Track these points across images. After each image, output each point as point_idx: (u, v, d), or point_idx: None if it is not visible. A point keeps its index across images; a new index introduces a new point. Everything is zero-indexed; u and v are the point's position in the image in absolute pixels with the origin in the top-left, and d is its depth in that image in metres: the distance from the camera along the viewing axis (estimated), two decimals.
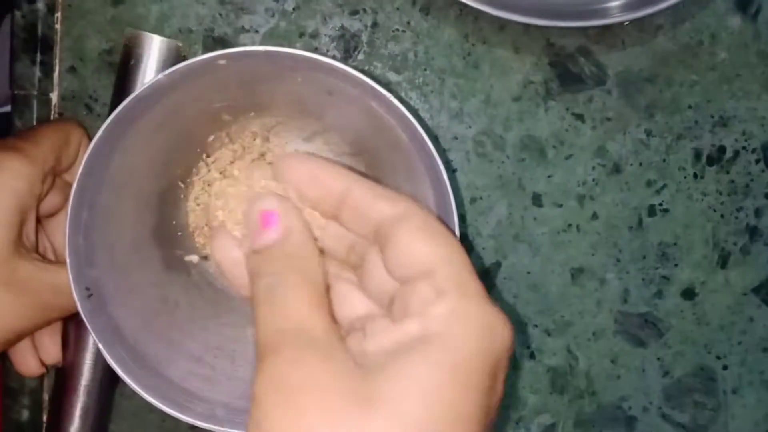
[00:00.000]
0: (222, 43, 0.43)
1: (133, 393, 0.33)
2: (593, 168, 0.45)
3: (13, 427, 0.44)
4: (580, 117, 0.44)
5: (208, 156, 0.41)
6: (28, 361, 0.40)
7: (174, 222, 0.41)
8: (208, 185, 0.41)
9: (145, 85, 0.31)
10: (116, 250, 0.36)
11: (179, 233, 0.41)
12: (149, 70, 0.40)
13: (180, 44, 0.41)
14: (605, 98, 0.44)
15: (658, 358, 0.46)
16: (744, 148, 0.45)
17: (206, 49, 0.43)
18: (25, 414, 0.44)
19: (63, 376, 0.40)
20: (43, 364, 0.41)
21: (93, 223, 0.34)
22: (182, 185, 0.41)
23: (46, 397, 0.44)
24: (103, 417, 0.41)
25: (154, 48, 0.39)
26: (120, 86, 0.40)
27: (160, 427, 0.44)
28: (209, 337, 0.39)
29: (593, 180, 0.45)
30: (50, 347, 0.41)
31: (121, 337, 0.35)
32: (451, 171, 0.44)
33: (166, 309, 0.39)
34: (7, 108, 0.66)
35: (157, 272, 0.39)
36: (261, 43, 0.43)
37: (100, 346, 0.33)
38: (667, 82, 0.44)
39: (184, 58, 0.42)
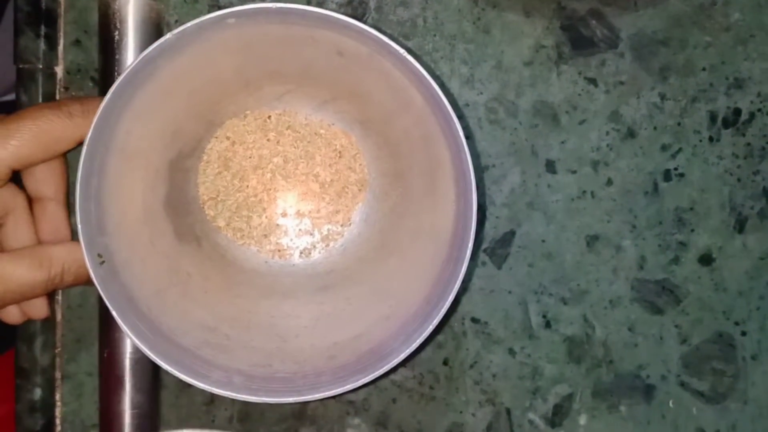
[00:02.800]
0: None
1: None
2: (607, 133, 0.44)
3: (27, 406, 0.44)
4: (592, 81, 0.44)
5: (217, 126, 0.41)
6: (8, 311, 0.40)
7: (185, 193, 0.40)
8: (219, 155, 0.41)
9: (153, 45, 0.31)
10: (127, 219, 0.36)
11: (190, 204, 0.40)
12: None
13: None
14: (618, 62, 0.44)
15: (676, 326, 0.45)
16: (759, 110, 0.44)
17: None
18: (38, 393, 0.44)
19: (107, 372, 0.40)
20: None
21: (103, 190, 0.34)
22: (192, 155, 0.40)
23: (58, 375, 0.44)
24: (153, 409, 0.41)
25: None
26: (104, 49, 0.39)
27: (174, 405, 0.44)
28: (223, 308, 0.39)
29: (607, 145, 0.44)
30: (36, 301, 0.40)
31: (134, 306, 0.34)
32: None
33: (179, 280, 0.38)
34: (12, 96, 0.65)
35: (169, 243, 0.39)
36: None
37: (113, 312, 0.32)
38: (680, 44, 0.44)
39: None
